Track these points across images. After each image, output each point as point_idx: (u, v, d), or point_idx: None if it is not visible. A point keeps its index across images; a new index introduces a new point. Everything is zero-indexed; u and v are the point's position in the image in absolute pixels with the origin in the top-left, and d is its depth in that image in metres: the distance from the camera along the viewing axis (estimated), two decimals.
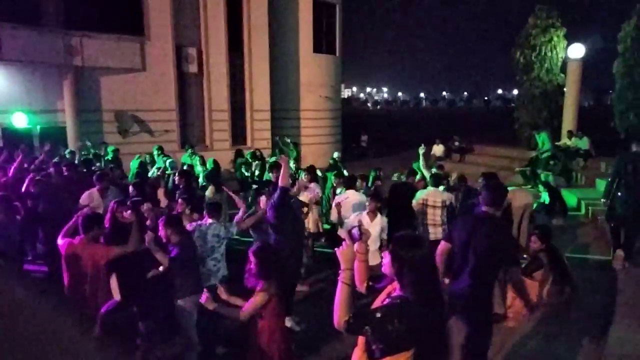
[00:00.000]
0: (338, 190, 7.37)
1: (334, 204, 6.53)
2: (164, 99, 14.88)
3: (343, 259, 2.27)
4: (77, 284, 4.06)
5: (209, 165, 10.01)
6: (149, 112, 14.65)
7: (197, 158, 10.47)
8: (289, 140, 14.07)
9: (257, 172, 10.44)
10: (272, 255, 3.43)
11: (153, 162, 10.11)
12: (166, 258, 4.03)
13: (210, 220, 4.79)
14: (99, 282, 4.10)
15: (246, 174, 10.75)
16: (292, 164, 12.08)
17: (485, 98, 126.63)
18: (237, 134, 16.68)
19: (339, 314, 2.12)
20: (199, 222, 4.85)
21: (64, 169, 7.78)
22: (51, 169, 7.81)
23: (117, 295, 3.99)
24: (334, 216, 6.44)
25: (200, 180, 8.65)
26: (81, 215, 4.27)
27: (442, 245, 3.63)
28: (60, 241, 4.15)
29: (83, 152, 10.74)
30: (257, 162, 11.14)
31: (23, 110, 12.21)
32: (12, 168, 7.32)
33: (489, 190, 3.55)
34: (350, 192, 6.49)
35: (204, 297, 3.26)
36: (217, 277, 4.67)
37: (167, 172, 8.76)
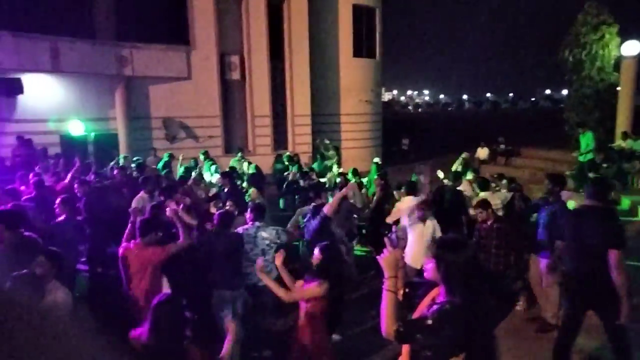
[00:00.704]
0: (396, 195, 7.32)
1: (394, 209, 6.48)
2: (209, 105, 15.34)
3: (386, 266, 2.25)
4: (134, 283, 4.26)
5: (251, 170, 10.26)
6: (194, 119, 15.15)
7: (246, 162, 10.80)
8: (328, 142, 14.21)
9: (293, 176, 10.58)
10: (335, 258, 3.54)
11: (197, 167, 10.46)
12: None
13: (257, 223, 4.90)
14: (155, 280, 4.30)
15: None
16: (335, 168, 12.18)
17: (532, 99, 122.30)
18: (278, 139, 16.94)
19: (387, 323, 2.10)
20: (245, 226, 4.97)
21: (116, 172, 8.19)
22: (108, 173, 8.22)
23: (167, 289, 4.17)
24: (391, 218, 6.30)
25: (244, 184, 8.87)
26: (140, 221, 4.44)
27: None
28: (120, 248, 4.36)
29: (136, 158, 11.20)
30: (294, 165, 11.27)
31: (79, 118, 12.92)
32: (70, 174, 7.76)
33: (593, 184, 3.96)
34: (409, 198, 6.42)
35: (259, 261, 3.61)
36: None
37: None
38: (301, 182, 8.43)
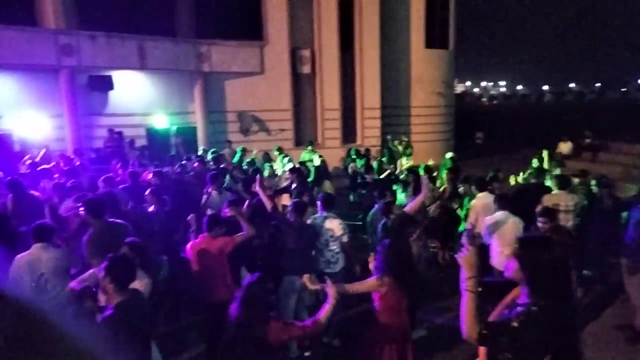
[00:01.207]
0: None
1: (470, 207, 6.27)
2: (280, 99, 15.71)
3: (466, 265, 2.18)
4: (204, 275, 4.51)
5: (317, 163, 10.43)
6: (266, 112, 15.59)
7: (316, 154, 10.99)
8: (406, 139, 14.08)
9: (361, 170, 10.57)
10: (399, 255, 3.55)
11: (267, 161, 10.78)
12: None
13: (324, 213, 5.00)
14: (224, 270, 4.54)
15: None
16: (405, 161, 12.04)
17: (623, 89, 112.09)
18: (347, 132, 16.98)
19: (469, 325, 2.04)
20: (315, 215, 5.09)
21: (197, 164, 8.65)
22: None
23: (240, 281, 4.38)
24: (471, 218, 6.03)
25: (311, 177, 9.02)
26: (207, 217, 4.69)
27: None
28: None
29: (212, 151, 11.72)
30: (362, 159, 11.24)
31: (162, 112, 13.79)
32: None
33: None
34: (484, 194, 6.19)
35: (305, 277, 3.68)
36: (335, 268, 4.91)
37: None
38: (367, 178, 8.39)
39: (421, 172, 7.64)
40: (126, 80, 13.45)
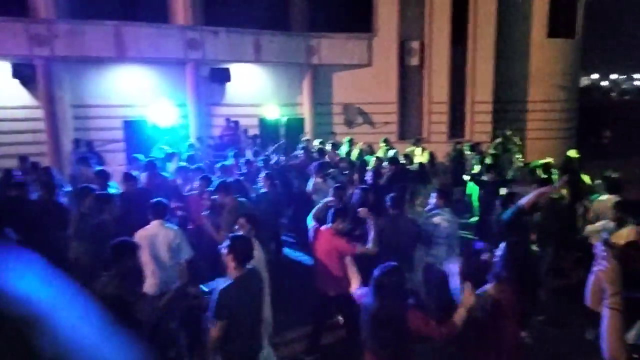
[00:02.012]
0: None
1: (592, 208, 5.72)
2: (386, 91, 15.58)
3: (609, 281, 1.96)
4: (321, 261, 4.66)
5: (424, 158, 10.15)
6: (371, 105, 15.58)
7: (419, 149, 10.79)
8: (510, 132, 13.20)
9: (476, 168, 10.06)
10: (525, 256, 3.41)
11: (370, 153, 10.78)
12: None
13: (438, 210, 4.89)
14: (340, 263, 4.52)
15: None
16: (517, 159, 11.27)
17: None
18: (455, 127, 16.32)
19: (614, 347, 1.87)
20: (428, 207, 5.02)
21: (303, 154, 8.98)
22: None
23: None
24: (597, 225, 5.21)
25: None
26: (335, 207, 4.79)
27: None
28: (311, 222, 4.80)
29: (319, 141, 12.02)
30: (475, 155, 10.72)
31: (274, 103, 14.47)
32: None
33: None
34: (610, 197, 5.58)
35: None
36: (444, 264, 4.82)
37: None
38: (485, 177, 7.96)
39: (539, 171, 7.11)
40: (241, 72, 14.32)
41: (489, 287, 3.25)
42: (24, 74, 11.65)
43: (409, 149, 11.41)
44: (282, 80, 14.94)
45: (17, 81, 11.83)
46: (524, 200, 4.58)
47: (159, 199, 4.77)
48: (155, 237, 4.44)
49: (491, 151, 11.32)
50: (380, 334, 2.98)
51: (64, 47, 11.35)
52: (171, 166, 8.15)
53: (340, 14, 15.00)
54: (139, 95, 13.06)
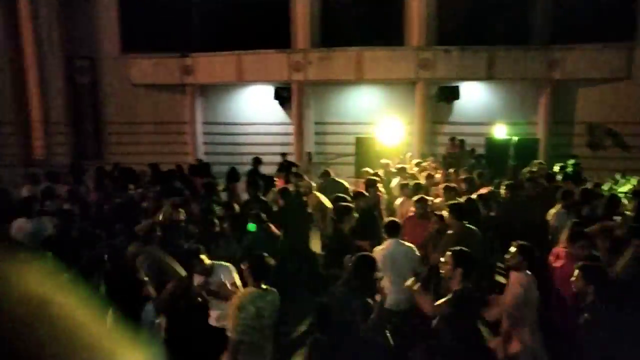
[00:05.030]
0: None
1: None
2: None
3: None
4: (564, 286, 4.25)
5: None
6: (625, 125, 13.16)
7: None
8: None
9: None
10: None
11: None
12: None
13: None
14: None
15: None
16: None
17: None
18: None
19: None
20: None
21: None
22: None
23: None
24: None
25: None
26: None
27: None
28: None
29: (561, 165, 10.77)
30: None
31: (503, 122, 13.62)
32: None
33: None
34: None
35: None
36: None
37: None
38: None
39: None
40: (471, 89, 13.94)
41: None
42: (282, 96, 13.91)
43: None
44: (514, 98, 13.97)
45: (276, 102, 14.19)
46: None
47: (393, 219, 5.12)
48: (390, 255, 4.76)
49: None
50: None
51: (315, 72, 13.12)
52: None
53: (592, 22, 13.12)
54: (369, 113, 14.04)
